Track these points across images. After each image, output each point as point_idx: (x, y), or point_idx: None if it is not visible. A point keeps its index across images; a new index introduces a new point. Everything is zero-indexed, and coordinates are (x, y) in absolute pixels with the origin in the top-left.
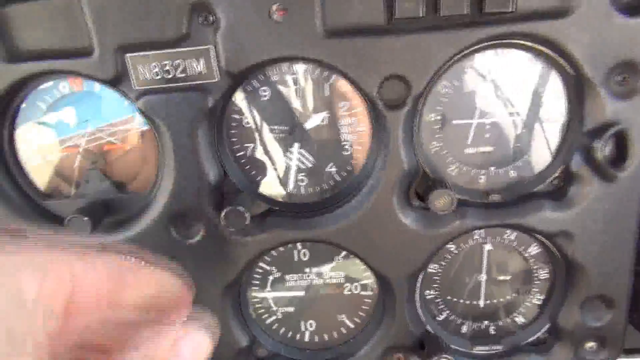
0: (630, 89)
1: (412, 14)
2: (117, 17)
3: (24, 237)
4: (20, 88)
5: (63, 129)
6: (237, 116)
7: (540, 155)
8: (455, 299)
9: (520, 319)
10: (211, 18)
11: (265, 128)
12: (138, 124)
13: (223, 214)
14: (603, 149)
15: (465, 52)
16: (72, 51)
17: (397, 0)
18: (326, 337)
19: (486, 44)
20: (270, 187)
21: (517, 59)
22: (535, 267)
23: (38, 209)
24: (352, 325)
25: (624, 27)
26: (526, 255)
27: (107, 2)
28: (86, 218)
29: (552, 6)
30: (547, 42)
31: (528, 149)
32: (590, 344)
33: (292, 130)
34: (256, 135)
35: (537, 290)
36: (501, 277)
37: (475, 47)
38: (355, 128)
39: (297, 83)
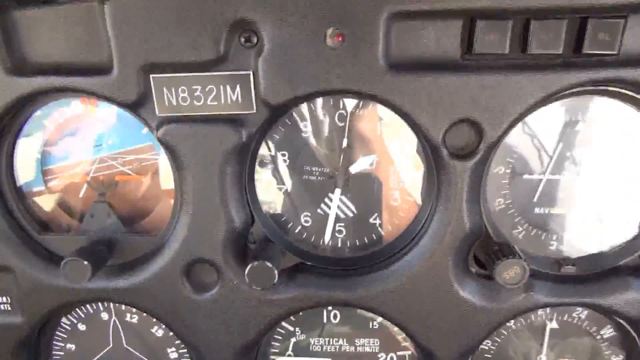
0: None
1: (495, 49)
2: (143, 31)
3: None
4: (25, 105)
5: (71, 153)
6: (272, 153)
7: (629, 224)
8: None
9: None
10: (254, 39)
11: (303, 169)
12: (156, 154)
13: (248, 269)
14: None
15: (554, 98)
16: (88, 67)
17: (478, 33)
18: None
19: (580, 89)
20: (305, 235)
21: (613, 110)
22: (607, 352)
23: (32, 244)
24: None
25: None
26: (598, 338)
27: (133, 12)
28: (86, 262)
29: None
30: None
31: (613, 215)
32: None
33: (334, 174)
34: (292, 176)
35: None
36: None
37: (568, 92)
38: (408, 177)
39: (345, 119)
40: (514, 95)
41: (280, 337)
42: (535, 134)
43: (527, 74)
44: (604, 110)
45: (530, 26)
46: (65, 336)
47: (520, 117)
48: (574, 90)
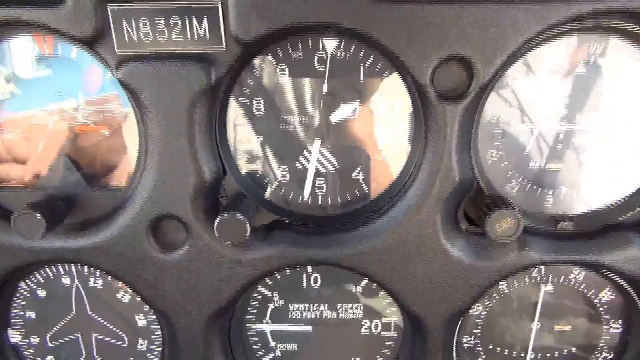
0: None
1: None
2: None
3: None
4: None
5: (27, 102)
6: (244, 100)
7: (631, 178)
8: (498, 349)
9: None
10: None
11: (280, 117)
12: (122, 104)
13: (217, 221)
14: None
15: (555, 32)
16: None
17: None
18: None
19: (582, 24)
20: (281, 191)
21: (619, 52)
22: (605, 317)
23: None
24: None
25: None
26: (595, 302)
27: None
28: (39, 216)
29: None
30: None
31: (614, 170)
32: None
33: (313, 122)
34: (267, 125)
35: (604, 346)
36: (559, 327)
37: (568, 28)
38: (395, 125)
39: (325, 63)
40: (509, 28)
41: (256, 304)
42: (539, 77)
43: (523, 4)
44: (608, 53)
45: None
46: (24, 303)
47: (516, 55)
48: (576, 25)
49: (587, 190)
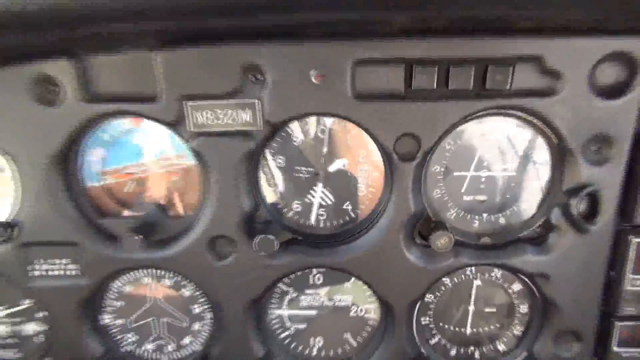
0: (603, 158)
1: (426, 86)
2: (183, 72)
3: None
4: (95, 123)
5: (120, 159)
6: (271, 157)
7: (526, 207)
8: (446, 326)
9: (501, 347)
10: (261, 77)
11: (295, 168)
12: (182, 159)
13: (256, 240)
14: (578, 206)
15: (469, 118)
16: (141, 97)
17: (415, 74)
18: (332, 352)
19: (486, 112)
20: (296, 219)
21: (511, 126)
22: (516, 302)
23: (94, 225)
24: (355, 344)
25: (599, 108)
26: (509, 291)
27: (177, 59)
28: (137, 237)
29: (541, 87)
30: (536, 115)
31: (516, 201)
32: None
33: (318, 171)
34: (286, 173)
35: (517, 322)
36: (487, 309)
37: (477, 115)
38: (370, 174)
39: (325, 132)
40: (441, 116)
41: (278, 295)
42: (462, 143)
43: (450, 102)
44: (506, 126)
45: (450, 70)
46: (116, 295)
47: (447, 132)
48: (482, 113)
49: (500, 216)
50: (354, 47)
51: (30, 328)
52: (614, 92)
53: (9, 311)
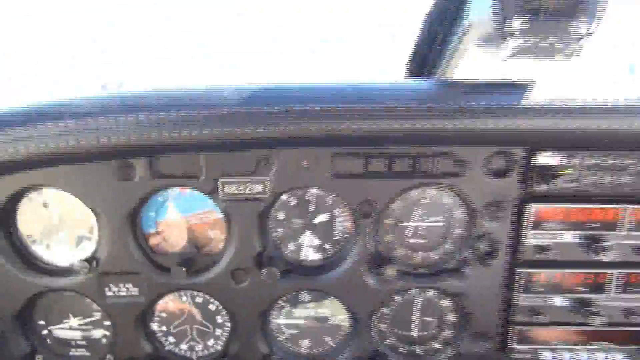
0: (497, 216)
1: (378, 169)
2: (218, 162)
3: None
4: (156, 192)
5: (170, 214)
6: (275, 213)
7: (449, 247)
8: (397, 330)
9: (437, 345)
10: (269, 163)
11: (291, 220)
12: (212, 214)
13: (264, 271)
14: (482, 248)
15: (407, 189)
16: (188, 175)
17: (370, 162)
18: (316, 350)
19: (419, 184)
20: (291, 256)
21: (439, 192)
22: (447, 313)
23: (151, 260)
24: (332, 344)
25: (492, 184)
26: (441, 305)
27: (214, 155)
28: (184, 269)
29: (452, 171)
30: (452, 188)
31: (443, 243)
32: None
33: (306, 223)
34: (285, 224)
35: (447, 327)
36: (427, 319)
37: (413, 187)
38: (343, 225)
39: (313, 197)
40: (389, 188)
41: (278, 309)
42: (406, 203)
43: (394, 180)
44: (433, 193)
45: (394, 160)
46: (163, 309)
47: (394, 198)
48: (416, 185)
49: (432, 253)
50: (331, 147)
51: (98, 333)
52: (500, 173)
53: (83, 321)
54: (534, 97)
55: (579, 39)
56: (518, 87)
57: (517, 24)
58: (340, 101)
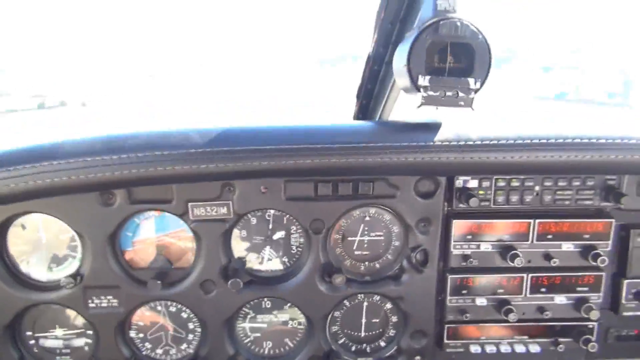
0: (427, 230)
1: (325, 193)
2: (188, 189)
3: None
4: (132, 216)
5: (146, 234)
6: (238, 231)
7: (390, 258)
8: (348, 331)
9: (382, 343)
10: (232, 189)
11: (252, 237)
12: (183, 232)
13: (230, 282)
14: (416, 257)
15: (351, 209)
16: (162, 200)
17: (319, 187)
18: (277, 350)
19: (361, 204)
20: (253, 268)
21: (378, 211)
22: (389, 314)
23: (129, 275)
24: (291, 345)
25: (421, 203)
26: (385, 308)
27: (185, 185)
28: (159, 282)
29: (387, 193)
30: (388, 207)
31: (384, 254)
32: (417, 357)
33: (266, 239)
34: (247, 240)
35: (391, 327)
36: (373, 320)
37: (356, 207)
38: (298, 240)
39: (271, 217)
40: (335, 208)
41: (242, 315)
42: (351, 221)
43: (339, 201)
44: (374, 211)
45: (339, 184)
46: (140, 317)
47: (341, 216)
48: (358, 205)
49: (376, 263)
50: (285, 176)
51: (81, 341)
52: (428, 195)
53: (67, 331)
54: (444, 136)
55: (470, 93)
56: (432, 127)
57: (422, 81)
58: (292, 142)
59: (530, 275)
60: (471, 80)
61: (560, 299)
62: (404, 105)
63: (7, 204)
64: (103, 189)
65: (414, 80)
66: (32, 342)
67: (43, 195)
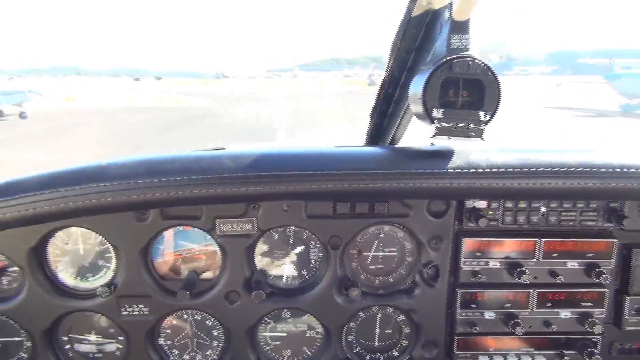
0: (439, 247)
1: (343, 212)
2: (216, 206)
3: None
4: (162, 231)
5: (175, 247)
6: (261, 246)
7: (403, 272)
8: (363, 340)
9: (395, 353)
10: (256, 206)
11: (274, 252)
12: (209, 246)
13: (253, 294)
14: (428, 272)
15: (367, 226)
16: (191, 216)
17: (337, 206)
18: (296, 358)
19: (376, 222)
20: (275, 281)
21: (392, 228)
22: (402, 326)
23: (159, 285)
24: (309, 353)
25: (433, 222)
26: (397, 320)
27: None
28: (187, 292)
29: (401, 212)
30: (402, 225)
31: (397, 269)
32: None
33: (286, 253)
34: (269, 255)
35: (403, 338)
36: (386, 330)
37: (371, 224)
38: (317, 254)
39: (292, 232)
40: (352, 225)
41: (264, 324)
42: (367, 237)
43: (356, 219)
44: (388, 229)
45: (355, 204)
46: (168, 325)
47: (357, 233)
48: (374, 223)
49: (390, 277)
50: (306, 199)
51: (113, 346)
52: (439, 214)
53: (100, 338)
54: (455, 163)
55: (481, 125)
56: (444, 155)
57: (436, 113)
58: (314, 168)
59: (536, 291)
60: (482, 113)
61: (565, 313)
62: (416, 125)
63: (54, 221)
64: (142, 208)
65: (428, 113)
66: (68, 346)
67: (88, 213)
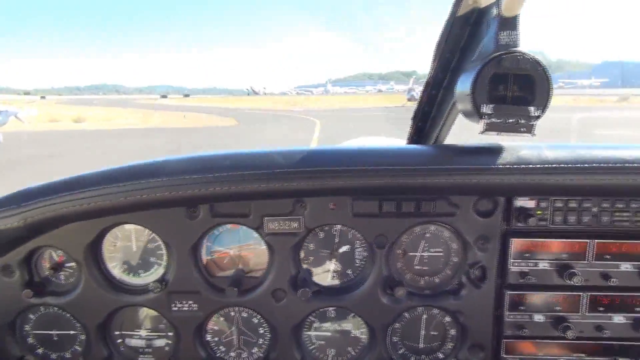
0: (486, 247)
1: (389, 210)
2: (264, 204)
3: None
4: (214, 227)
5: (224, 245)
6: (307, 244)
7: (449, 273)
8: (407, 342)
9: (440, 356)
10: (303, 205)
11: (319, 251)
12: (257, 245)
13: (300, 291)
14: (475, 273)
15: (413, 226)
16: (240, 214)
17: (383, 205)
18: (340, 358)
19: (422, 222)
20: (320, 279)
21: (438, 228)
22: (447, 328)
23: (208, 282)
24: (354, 353)
25: (480, 222)
26: (443, 321)
27: (261, 201)
28: (236, 289)
29: (448, 212)
30: (448, 224)
31: (443, 269)
32: None
33: (332, 252)
34: (315, 253)
35: (449, 340)
36: (432, 332)
37: (417, 224)
38: (362, 254)
39: (337, 231)
40: (398, 224)
41: (309, 323)
42: (413, 237)
43: (401, 218)
44: (434, 228)
45: (402, 203)
46: (215, 321)
47: (403, 232)
48: (420, 222)
49: (435, 277)
50: (353, 194)
51: (162, 341)
52: (486, 214)
53: (150, 332)
54: (505, 159)
55: (531, 120)
56: (493, 150)
57: (486, 109)
58: (359, 164)
59: (588, 294)
60: (532, 108)
61: (619, 318)
62: (460, 128)
63: (112, 215)
64: (197, 203)
65: (477, 108)
66: (120, 340)
67: (144, 208)
